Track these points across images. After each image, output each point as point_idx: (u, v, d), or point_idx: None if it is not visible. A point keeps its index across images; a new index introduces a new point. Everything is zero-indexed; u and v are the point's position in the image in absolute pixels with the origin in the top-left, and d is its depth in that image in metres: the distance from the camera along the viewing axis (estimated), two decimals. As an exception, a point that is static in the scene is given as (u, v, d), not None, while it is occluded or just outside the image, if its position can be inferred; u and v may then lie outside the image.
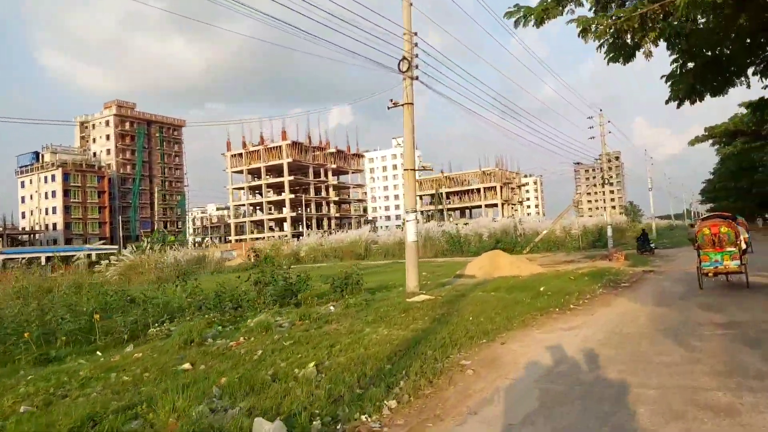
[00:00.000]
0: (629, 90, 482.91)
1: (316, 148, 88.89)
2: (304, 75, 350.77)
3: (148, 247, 39.81)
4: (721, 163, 44.07)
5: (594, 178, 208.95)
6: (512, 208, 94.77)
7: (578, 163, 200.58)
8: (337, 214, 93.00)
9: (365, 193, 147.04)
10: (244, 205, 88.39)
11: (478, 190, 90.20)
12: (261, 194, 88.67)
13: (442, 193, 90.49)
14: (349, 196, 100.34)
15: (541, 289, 13.03)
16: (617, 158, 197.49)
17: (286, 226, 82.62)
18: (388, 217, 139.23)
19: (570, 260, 26.05)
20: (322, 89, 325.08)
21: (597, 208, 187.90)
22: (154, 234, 55.32)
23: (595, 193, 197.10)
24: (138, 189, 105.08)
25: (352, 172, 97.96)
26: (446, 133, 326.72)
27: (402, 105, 13.49)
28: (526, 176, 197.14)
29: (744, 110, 37.87)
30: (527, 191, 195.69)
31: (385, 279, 20.54)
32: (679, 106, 12.56)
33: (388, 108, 13.38)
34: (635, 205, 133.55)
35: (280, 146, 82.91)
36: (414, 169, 14.13)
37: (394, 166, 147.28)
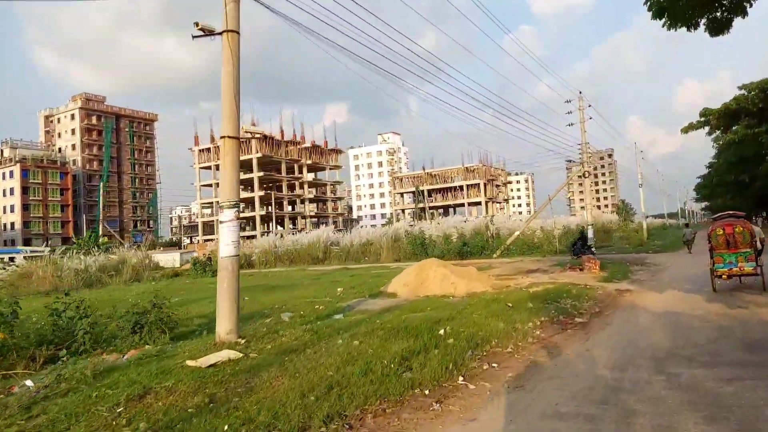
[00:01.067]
0: (621, 90, 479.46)
1: (290, 142, 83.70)
2: (294, 73, 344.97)
3: (72, 251, 34.85)
4: (718, 155, 39.02)
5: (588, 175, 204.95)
6: (498, 206, 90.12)
7: (570, 161, 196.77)
8: (313, 213, 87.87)
9: (349, 190, 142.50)
10: (212, 203, 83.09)
11: (461, 187, 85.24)
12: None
13: (422, 191, 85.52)
14: (327, 193, 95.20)
15: (442, 331, 8.08)
16: (610, 156, 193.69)
17: (263, 225, 77.55)
18: (374, 216, 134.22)
19: (536, 269, 21.15)
20: (314, 88, 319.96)
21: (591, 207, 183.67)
22: (86, 235, 50.02)
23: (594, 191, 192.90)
24: (104, 186, 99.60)
25: (330, 168, 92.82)
26: (435, 133, 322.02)
27: (220, 33, 8.42)
28: (517, 174, 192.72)
29: (745, 93, 33.18)
30: (518, 189, 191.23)
31: (290, 298, 15.63)
32: (670, 27, 7.78)
33: (193, 37, 8.27)
34: (627, 203, 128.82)
35: (248, 140, 77.68)
36: (237, 138, 9.08)
37: (380, 163, 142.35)
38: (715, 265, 12.14)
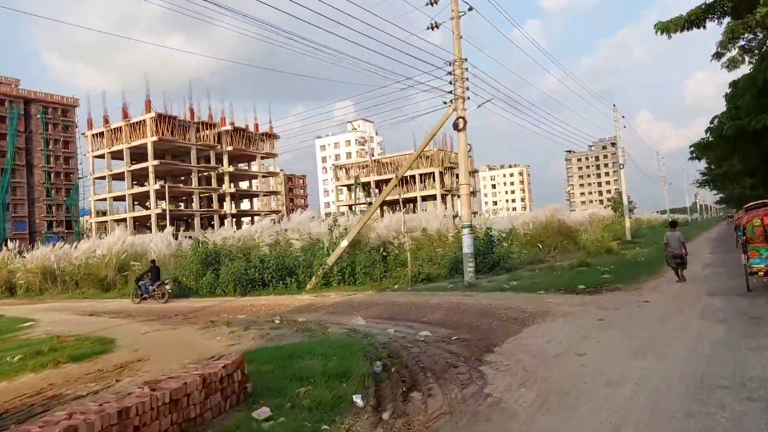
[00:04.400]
0: (629, 84, 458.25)
1: (204, 124, 68.46)
2: (297, 70, 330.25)
3: None
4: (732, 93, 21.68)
5: (588, 168, 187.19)
6: (489, 208, 73.52)
7: (570, 151, 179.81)
8: (235, 211, 72.58)
9: (302, 182, 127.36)
10: (105, 199, 68.21)
11: (413, 177, 69.46)
12: (143, 185, 68.32)
13: (360, 183, 69.79)
14: (257, 187, 79.91)
15: None
16: (614, 144, 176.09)
17: (160, 227, 62.47)
18: (342, 213, 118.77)
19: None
20: (320, 85, 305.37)
21: (591, 201, 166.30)
22: None
23: (589, 184, 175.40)
24: (7, 182, 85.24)
25: (262, 157, 77.45)
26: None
27: None
28: (510, 166, 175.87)
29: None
30: (511, 183, 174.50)
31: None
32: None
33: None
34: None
35: (144, 121, 62.68)
36: None
37: (348, 154, 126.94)
38: (749, 261, 10.95)
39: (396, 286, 16.40)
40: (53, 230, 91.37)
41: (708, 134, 20.48)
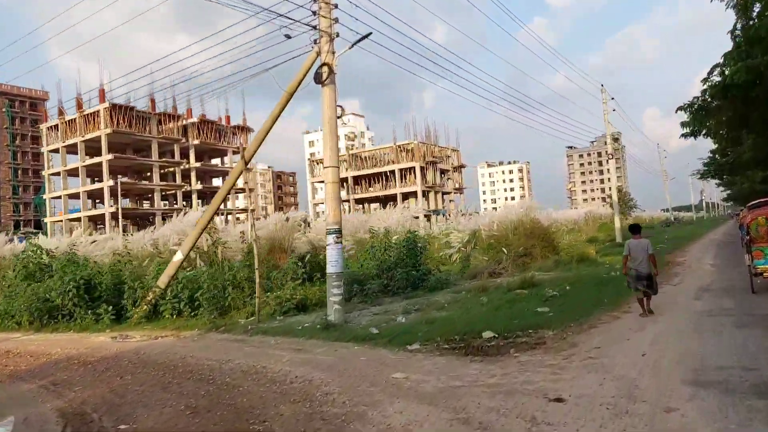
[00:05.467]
0: (636, 82, 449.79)
1: (168, 116, 63.38)
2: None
3: None
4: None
5: (590, 164, 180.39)
6: (448, 199, 69.05)
7: (571, 147, 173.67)
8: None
9: (291, 179, 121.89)
10: (60, 197, 63.32)
11: (393, 172, 64.13)
12: (100, 181, 63.35)
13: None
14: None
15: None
16: (616, 140, 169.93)
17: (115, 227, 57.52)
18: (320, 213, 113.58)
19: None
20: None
21: (594, 199, 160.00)
22: None
23: (591, 181, 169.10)
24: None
25: (234, 152, 72.31)
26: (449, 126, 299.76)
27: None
28: (510, 163, 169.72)
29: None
30: (511, 180, 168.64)
31: None
32: None
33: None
34: (625, 192, 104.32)
35: (99, 112, 57.71)
36: None
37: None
38: (754, 262, 10.24)
39: (244, 321, 11.16)
40: (20, 230, 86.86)
41: (706, 91, 14.58)
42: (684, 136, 17.79)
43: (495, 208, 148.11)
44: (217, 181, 74.77)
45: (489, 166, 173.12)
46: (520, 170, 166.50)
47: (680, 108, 16.90)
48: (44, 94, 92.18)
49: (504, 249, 23.93)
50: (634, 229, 9.28)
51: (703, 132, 18.05)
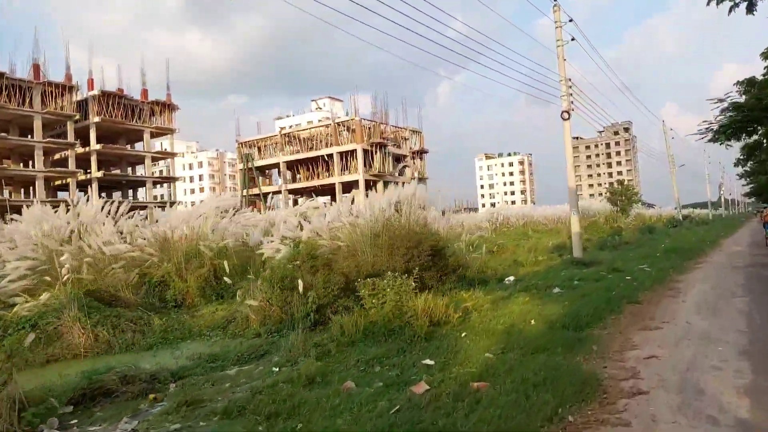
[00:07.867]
0: (653, 76, 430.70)
1: (59, 87, 51.67)
2: (319, 66, 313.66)
3: None
4: None
5: (598, 156, 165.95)
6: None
7: (577, 138, 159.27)
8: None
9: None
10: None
11: (330, 156, 51.75)
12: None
13: (253, 163, 52.41)
14: (144, 172, 63.24)
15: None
16: (627, 129, 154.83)
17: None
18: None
19: None
20: (338, 80, 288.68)
21: (600, 194, 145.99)
22: None
23: (599, 174, 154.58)
24: None
25: (155, 135, 60.56)
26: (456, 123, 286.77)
27: None
28: (510, 155, 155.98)
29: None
30: (510, 174, 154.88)
31: None
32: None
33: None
34: (627, 185, 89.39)
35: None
36: None
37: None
38: None
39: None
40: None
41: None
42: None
43: (493, 204, 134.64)
44: (140, 170, 63.31)
45: (488, 158, 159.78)
46: (521, 162, 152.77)
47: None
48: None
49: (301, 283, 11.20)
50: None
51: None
